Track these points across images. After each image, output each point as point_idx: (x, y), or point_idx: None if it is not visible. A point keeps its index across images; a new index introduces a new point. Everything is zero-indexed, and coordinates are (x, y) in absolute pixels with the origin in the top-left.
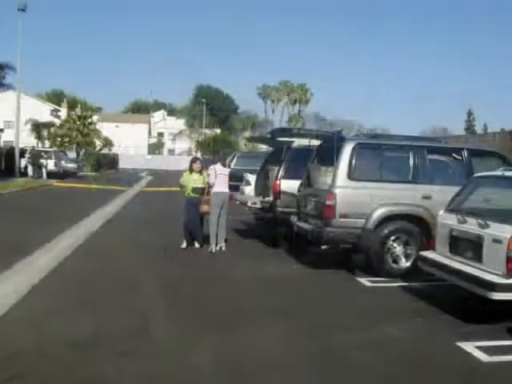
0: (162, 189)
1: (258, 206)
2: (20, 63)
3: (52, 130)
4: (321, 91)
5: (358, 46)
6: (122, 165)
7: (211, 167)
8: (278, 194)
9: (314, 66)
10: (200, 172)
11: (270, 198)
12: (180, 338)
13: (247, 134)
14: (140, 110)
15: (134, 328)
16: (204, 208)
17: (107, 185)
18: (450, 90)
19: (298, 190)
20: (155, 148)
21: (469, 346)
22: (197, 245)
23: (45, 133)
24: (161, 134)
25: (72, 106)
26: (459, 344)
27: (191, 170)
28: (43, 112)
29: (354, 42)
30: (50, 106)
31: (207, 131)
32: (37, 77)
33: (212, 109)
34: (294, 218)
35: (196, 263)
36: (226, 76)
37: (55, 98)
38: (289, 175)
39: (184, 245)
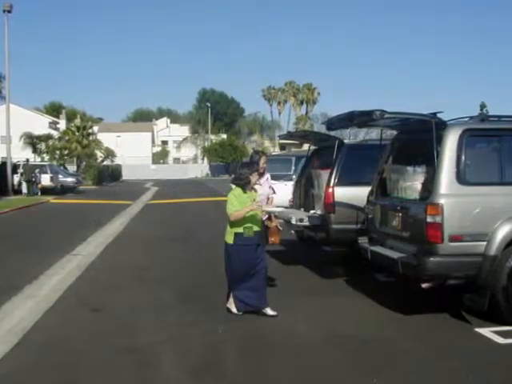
0: (170, 201)
1: (306, 223)
2: (8, 69)
3: (50, 142)
4: (328, 91)
5: (368, 39)
6: (125, 176)
7: (266, 177)
8: (331, 206)
9: (320, 64)
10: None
11: (318, 212)
12: None
13: (255, 137)
14: (142, 118)
15: None
16: (275, 239)
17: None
18: (461, 81)
19: (368, 201)
20: (160, 157)
21: None
22: (271, 312)
23: (42, 146)
24: (165, 142)
25: (71, 117)
26: None
27: (248, 183)
28: (41, 125)
29: (364, 35)
30: (48, 119)
31: (213, 137)
32: (35, 90)
33: (217, 113)
34: (363, 241)
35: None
36: (230, 79)
37: (54, 110)
38: (344, 181)
39: (235, 309)
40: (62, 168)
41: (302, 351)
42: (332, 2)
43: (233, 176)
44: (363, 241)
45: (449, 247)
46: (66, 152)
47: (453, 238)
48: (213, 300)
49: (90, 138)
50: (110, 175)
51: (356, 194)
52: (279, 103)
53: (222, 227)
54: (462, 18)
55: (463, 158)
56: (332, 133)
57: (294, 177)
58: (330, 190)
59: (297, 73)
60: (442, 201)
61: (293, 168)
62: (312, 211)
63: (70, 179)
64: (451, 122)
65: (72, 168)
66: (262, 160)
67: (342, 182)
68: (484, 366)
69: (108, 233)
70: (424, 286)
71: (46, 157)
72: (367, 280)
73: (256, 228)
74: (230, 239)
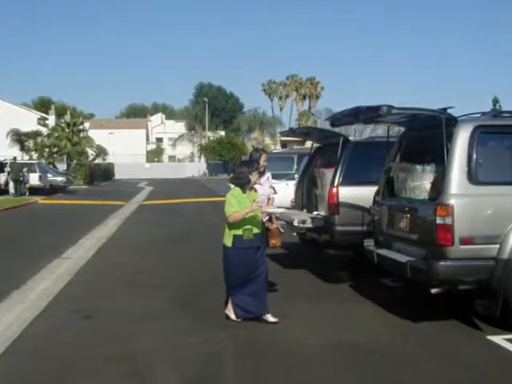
0: (165, 201)
1: (309, 225)
2: None
3: (39, 139)
4: (332, 85)
5: (373, 32)
6: (118, 175)
7: (266, 176)
8: (335, 206)
9: (324, 57)
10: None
11: (321, 213)
12: None
13: (255, 134)
14: (136, 114)
15: None
16: (277, 241)
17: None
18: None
19: (374, 201)
20: (154, 155)
21: None
22: (271, 318)
23: (30, 143)
24: (159, 140)
25: (61, 113)
26: None
27: (247, 182)
28: (29, 121)
29: (369, 29)
30: (36, 115)
31: (210, 134)
32: (22, 84)
33: (214, 109)
34: (369, 243)
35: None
36: (229, 73)
37: (42, 106)
38: (349, 180)
39: (234, 316)
40: (51, 167)
41: (304, 360)
42: None
43: (231, 175)
44: (369, 243)
45: (459, 250)
46: (56, 150)
47: (464, 241)
48: (210, 306)
49: (81, 134)
50: (101, 174)
51: (361, 194)
52: (280, 98)
53: (221, 229)
54: (470, 8)
55: (475, 156)
56: (336, 129)
57: (296, 176)
58: (334, 189)
59: (299, 66)
60: (452, 201)
61: (295, 167)
62: (315, 212)
63: (59, 178)
64: (462, 118)
65: (62, 167)
66: (263, 158)
67: (346, 181)
68: (496, 376)
69: (100, 235)
70: (433, 291)
71: (35, 155)
72: (373, 285)
73: (256, 230)
74: (228, 242)
